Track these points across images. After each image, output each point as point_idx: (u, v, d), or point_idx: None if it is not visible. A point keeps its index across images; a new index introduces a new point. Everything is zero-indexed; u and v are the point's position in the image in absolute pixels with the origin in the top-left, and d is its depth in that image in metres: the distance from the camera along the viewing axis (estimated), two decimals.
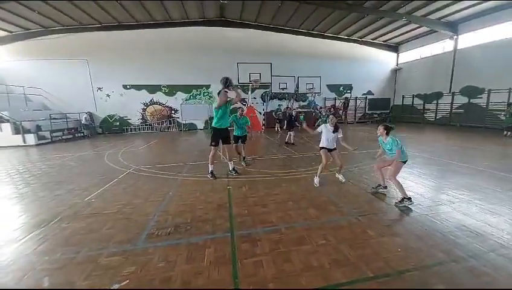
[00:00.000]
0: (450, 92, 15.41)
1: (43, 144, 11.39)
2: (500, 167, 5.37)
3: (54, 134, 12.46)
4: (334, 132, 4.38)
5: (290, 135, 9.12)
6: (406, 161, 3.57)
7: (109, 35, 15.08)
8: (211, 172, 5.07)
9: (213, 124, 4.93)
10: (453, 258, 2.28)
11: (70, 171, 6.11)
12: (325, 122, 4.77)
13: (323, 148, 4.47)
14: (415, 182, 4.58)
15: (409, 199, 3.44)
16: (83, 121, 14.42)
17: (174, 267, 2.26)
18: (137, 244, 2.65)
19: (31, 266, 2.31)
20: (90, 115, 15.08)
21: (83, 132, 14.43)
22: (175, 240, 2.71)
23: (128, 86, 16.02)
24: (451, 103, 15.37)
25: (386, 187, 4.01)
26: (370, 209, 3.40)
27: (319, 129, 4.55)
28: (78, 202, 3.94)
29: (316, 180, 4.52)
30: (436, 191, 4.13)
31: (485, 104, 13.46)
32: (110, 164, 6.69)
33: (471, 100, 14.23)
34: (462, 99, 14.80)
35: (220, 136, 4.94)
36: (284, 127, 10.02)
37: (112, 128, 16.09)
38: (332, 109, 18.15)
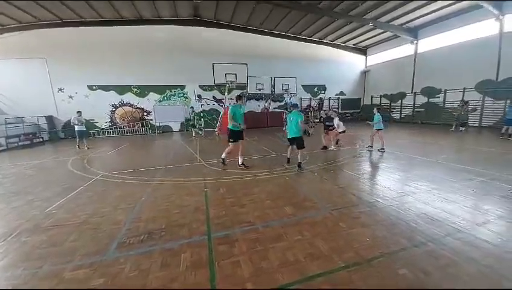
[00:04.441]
0: (412, 92, 16.77)
1: None
2: (456, 159, 5.97)
3: (10, 140, 11.21)
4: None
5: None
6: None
7: (71, 32, 13.93)
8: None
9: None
10: (414, 244, 2.49)
11: (29, 180, 5.53)
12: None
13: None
14: (381, 176, 4.92)
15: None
16: (77, 128, 9.90)
17: (148, 275, 2.16)
18: (106, 255, 2.49)
19: None
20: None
21: (42, 137, 13.14)
22: (148, 247, 2.60)
23: (94, 87, 14.94)
24: (414, 103, 16.73)
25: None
26: (342, 204, 3.57)
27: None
28: (38, 213, 3.59)
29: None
30: (400, 183, 4.46)
31: (442, 103, 14.87)
32: (75, 171, 6.19)
33: (430, 99, 15.62)
34: (422, 99, 16.18)
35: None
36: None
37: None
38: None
